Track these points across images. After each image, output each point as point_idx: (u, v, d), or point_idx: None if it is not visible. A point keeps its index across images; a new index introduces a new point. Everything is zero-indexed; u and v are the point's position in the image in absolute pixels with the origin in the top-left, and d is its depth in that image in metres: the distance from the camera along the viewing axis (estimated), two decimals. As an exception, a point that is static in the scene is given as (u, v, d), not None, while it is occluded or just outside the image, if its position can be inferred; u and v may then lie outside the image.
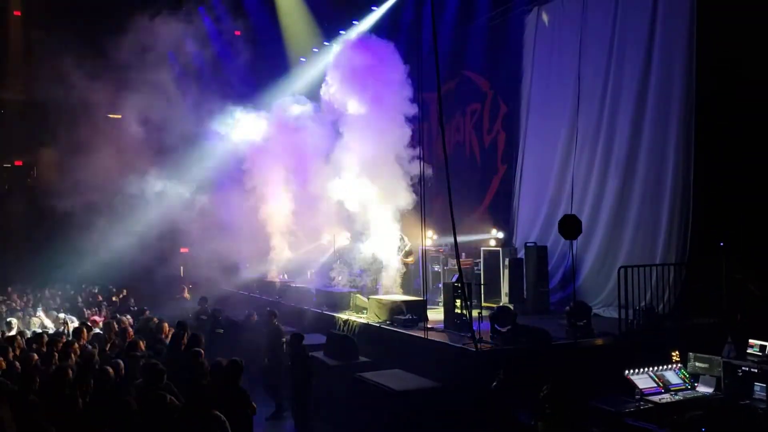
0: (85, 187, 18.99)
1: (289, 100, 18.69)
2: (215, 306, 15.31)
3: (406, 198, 13.57)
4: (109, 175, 19.40)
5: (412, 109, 13.52)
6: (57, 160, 21.17)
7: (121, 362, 8.50)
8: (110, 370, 7.92)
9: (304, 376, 10.36)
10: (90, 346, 10.24)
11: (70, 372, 7.85)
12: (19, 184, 24.28)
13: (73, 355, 9.30)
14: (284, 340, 12.17)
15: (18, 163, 24.49)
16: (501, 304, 12.52)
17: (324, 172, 15.30)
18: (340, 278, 15.63)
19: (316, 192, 15.93)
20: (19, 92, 22.73)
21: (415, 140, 13.53)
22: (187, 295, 18.07)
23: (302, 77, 20.84)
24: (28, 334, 11.64)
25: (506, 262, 13.76)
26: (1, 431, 6.35)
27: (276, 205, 18.45)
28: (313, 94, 17.51)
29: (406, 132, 13.52)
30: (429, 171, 13.05)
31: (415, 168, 13.41)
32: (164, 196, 19.79)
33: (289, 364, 10.78)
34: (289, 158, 17.95)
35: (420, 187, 12.53)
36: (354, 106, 14.10)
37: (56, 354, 9.33)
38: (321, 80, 15.29)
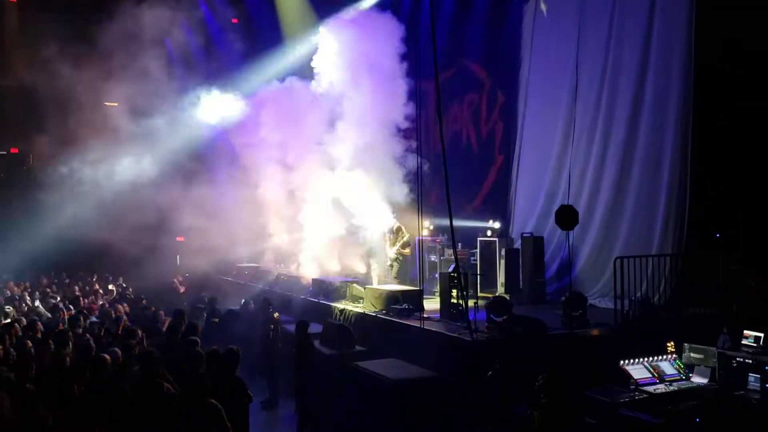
0: (80, 174, 18.98)
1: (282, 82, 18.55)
2: (211, 295, 15.32)
3: (400, 190, 13.58)
4: (103, 163, 19.38)
5: (408, 101, 13.50)
6: (53, 148, 21.12)
7: (118, 350, 8.50)
8: (107, 358, 7.92)
9: (306, 364, 10.38)
10: (87, 335, 10.25)
11: (68, 360, 7.86)
12: (14, 171, 24.17)
13: (69, 343, 9.30)
14: (271, 327, 12.20)
15: (13, 150, 24.36)
16: (497, 294, 12.56)
17: (317, 164, 15.22)
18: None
19: (310, 183, 15.87)
20: (14, 78, 22.61)
21: (411, 127, 13.55)
22: (182, 289, 17.97)
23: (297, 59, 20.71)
24: (24, 321, 11.62)
25: (503, 253, 13.78)
26: (0, 419, 6.36)
27: (270, 192, 18.35)
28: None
29: (401, 111, 13.47)
30: (425, 166, 13.00)
31: (410, 160, 13.44)
32: (158, 183, 19.71)
33: (293, 351, 10.79)
34: (282, 143, 17.81)
35: (417, 176, 12.53)
36: (345, 85, 14.00)
37: (52, 342, 9.34)
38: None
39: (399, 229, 14.54)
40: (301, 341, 10.55)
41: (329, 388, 10.75)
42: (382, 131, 13.59)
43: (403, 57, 13.75)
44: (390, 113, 13.60)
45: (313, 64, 15.15)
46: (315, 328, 12.37)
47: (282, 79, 18.41)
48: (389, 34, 13.89)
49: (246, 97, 19.21)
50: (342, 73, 14.23)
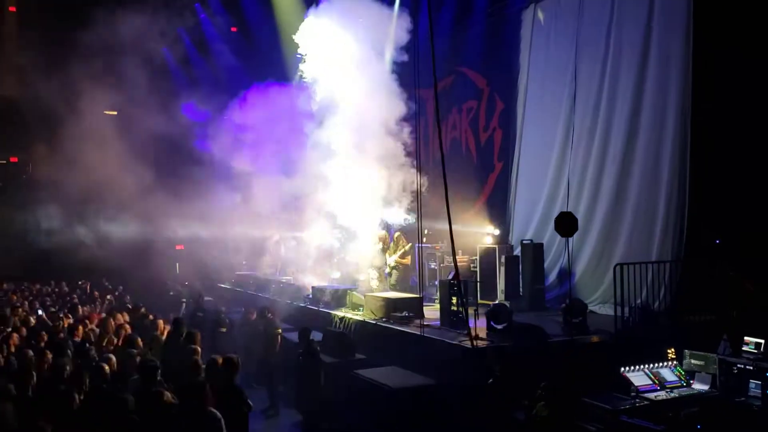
0: (80, 183, 18.98)
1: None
2: (217, 305, 15.34)
3: (399, 198, 13.59)
4: (103, 171, 19.38)
5: (406, 108, 13.50)
6: (52, 157, 21.12)
7: (113, 357, 8.48)
8: (106, 366, 7.91)
9: (313, 370, 10.34)
10: (86, 343, 10.23)
11: (66, 369, 7.84)
12: (14, 180, 24.20)
13: (69, 352, 9.28)
14: (279, 331, 12.19)
15: (13, 159, 24.40)
16: (497, 302, 12.54)
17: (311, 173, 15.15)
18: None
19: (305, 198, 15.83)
20: (14, 88, 22.65)
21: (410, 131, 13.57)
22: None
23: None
24: (24, 331, 11.60)
25: (502, 260, 13.77)
26: (4, 425, 6.34)
27: (269, 202, 18.32)
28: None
29: (397, 109, 13.45)
30: (423, 186, 12.96)
31: (408, 169, 13.44)
32: (156, 191, 19.72)
33: (300, 359, 10.75)
34: (278, 155, 17.78)
35: (416, 182, 12.53)
36: (336, 81, 13.94)
37: (48, 351, 9.31)
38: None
39: (399, 238, 14.56)
40: (307, 347, 10.51)
41: (330, 396, 10.73)
42: (377, 136, 13.54)
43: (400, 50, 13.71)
44: (386, 115, 13.54)
45: (301, 66, 15.03)
46: (315, 336, 12.41)
47: (273, 84, 18.39)
48: (381, 20, 13.82)
49: (239, 106, 19.20)
50: (332, 67, 14.12)
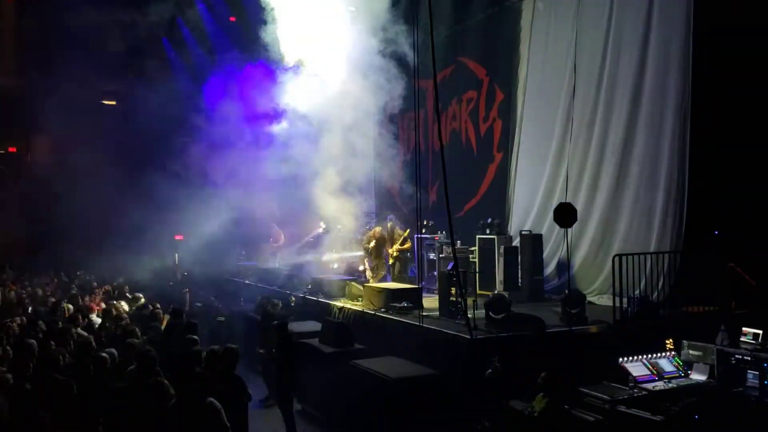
0: (79, 173, 18.98)
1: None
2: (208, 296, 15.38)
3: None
4: (101, 161, 19.39)
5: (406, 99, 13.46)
6: (51, 147, 21.15)
7: (114, 350, 8.49)
8: (106, 357, 7.92)
9: (288, 363, 10.30)
10: (86, 333, 10.25)
11: (62, 358, 7.86)
12: (13, 170, 24.17)
13: (70, 342, 9.31)
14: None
15: (12, 149, 24.37)
16: (496, 292, 12.56)
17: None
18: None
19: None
20: (12, 78, 22.60)
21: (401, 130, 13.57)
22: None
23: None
24: (22, 320, 11.61)
25: (501, 250, 13.77)
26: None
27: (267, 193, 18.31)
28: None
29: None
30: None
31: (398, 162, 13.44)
32: (158, 181, 19.72)
33: (273, 351, 10.74)
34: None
35: (415, 175, 12.53)
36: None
37: (49, 341, 9.33)
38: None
39: (393, 227, 14.59)
40: (281, 341, 10.45)
41: (328, 386, 10.75)
42: (369, 124, 13.53)
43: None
44: (379, 103, 13.53)
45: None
46: (314, 326, 12.44)
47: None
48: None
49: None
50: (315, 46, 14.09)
